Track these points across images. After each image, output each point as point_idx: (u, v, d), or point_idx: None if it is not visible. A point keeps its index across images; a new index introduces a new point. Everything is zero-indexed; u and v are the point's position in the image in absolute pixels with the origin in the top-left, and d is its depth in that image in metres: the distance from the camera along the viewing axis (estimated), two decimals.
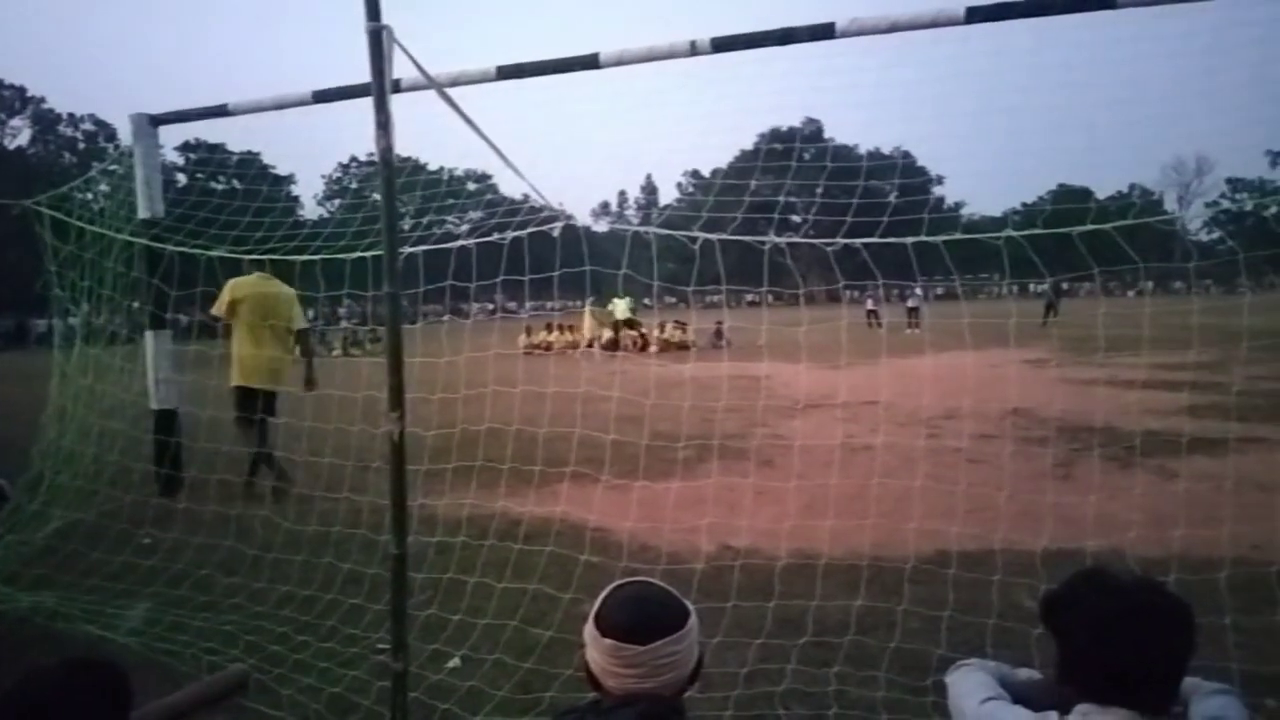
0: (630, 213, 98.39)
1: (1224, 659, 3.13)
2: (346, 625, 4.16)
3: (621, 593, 1.60)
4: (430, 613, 4.15)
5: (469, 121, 3.41)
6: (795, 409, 10.27)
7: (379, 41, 2.78)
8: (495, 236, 4.94)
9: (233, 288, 6.95)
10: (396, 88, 4.34)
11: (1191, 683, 1.72)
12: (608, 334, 23.46)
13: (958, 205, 66.19)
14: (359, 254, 4.81)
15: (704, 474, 6.70)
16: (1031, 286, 31.01)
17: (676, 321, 24.35)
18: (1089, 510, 4.86)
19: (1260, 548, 4.58)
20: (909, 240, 4.09)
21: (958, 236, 4.33)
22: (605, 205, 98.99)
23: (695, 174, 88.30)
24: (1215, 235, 72.50)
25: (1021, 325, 6.51)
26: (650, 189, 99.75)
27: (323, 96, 5.22)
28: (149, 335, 6.47)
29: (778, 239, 4.81)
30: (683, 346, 22.26)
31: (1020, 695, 1.83)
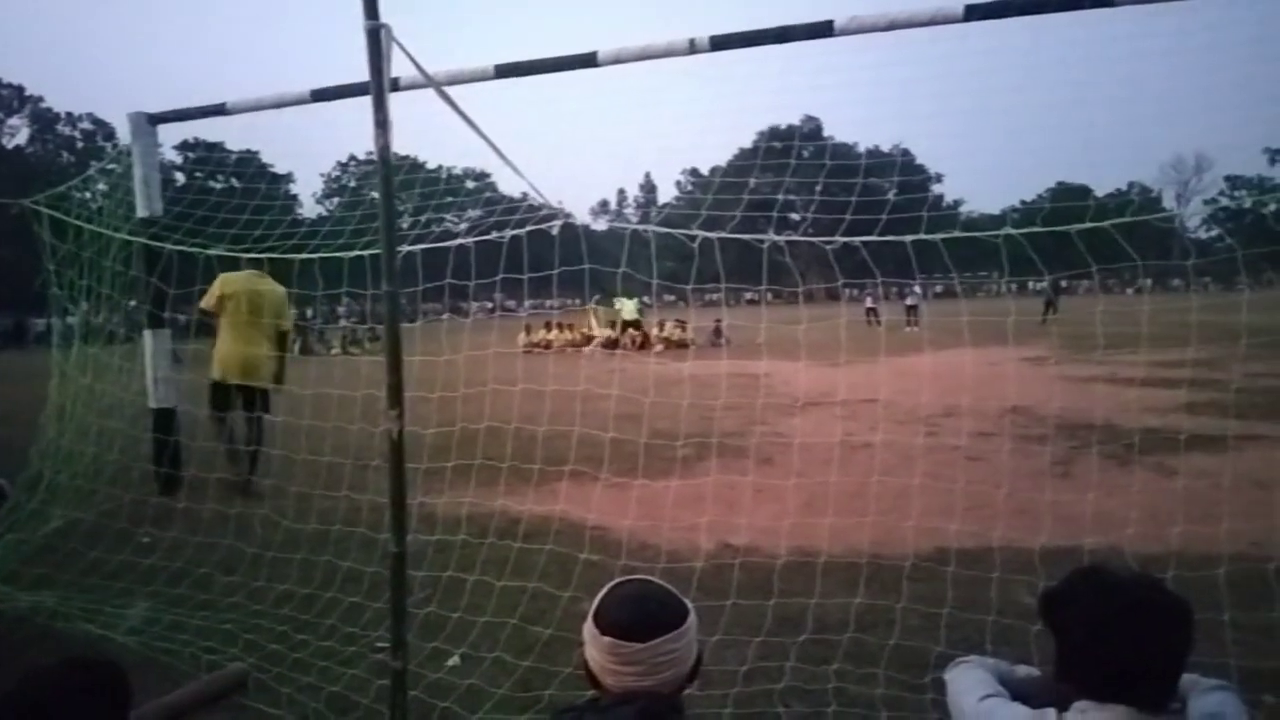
0: (629, 211, 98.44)
1: (1222, 655, 3.14)
2: (346, 623, 4.16)
3: (620, 591, 1.60)
4: (430, 611, 4.15)
5: (467, 120, 3.41)
6: (794, 407, 10.28)
7: (377, 40, 2.78)
8: (494, 235, 4.94)
9: (222, 282, 7.00)
10: (395, 86, 4.34)
11: (1189, 679, 1.73)
12: (607, 333, 23.46)
13: (957, 203, 66.32)
14: (357, 252, 4.81)
15: (703, 472, 6.71)
16: (1030, 284, 31.01)
17: (677, 320, 24.38)
18: (1087, 508, 4.87)
19: (1258, 544, 4.59)
20: (908, 238, 4.08)
21: (957, 235, 4.33)
22: (604, 203, 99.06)
23: (694, 172, 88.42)
24: (1214, 233, 72.72)
25: (1020, 323, 6.49)
26: (649, 187, 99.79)
27: (321, 95, 5.21)
28: (147, 334, 6.47)
29: (777, 237, 4.81)
30: (682, 345, 22.28)
31: (1019, 692, 1.84)
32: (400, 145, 2.92)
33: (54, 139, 66.61)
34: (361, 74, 2.86)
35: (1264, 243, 4.97)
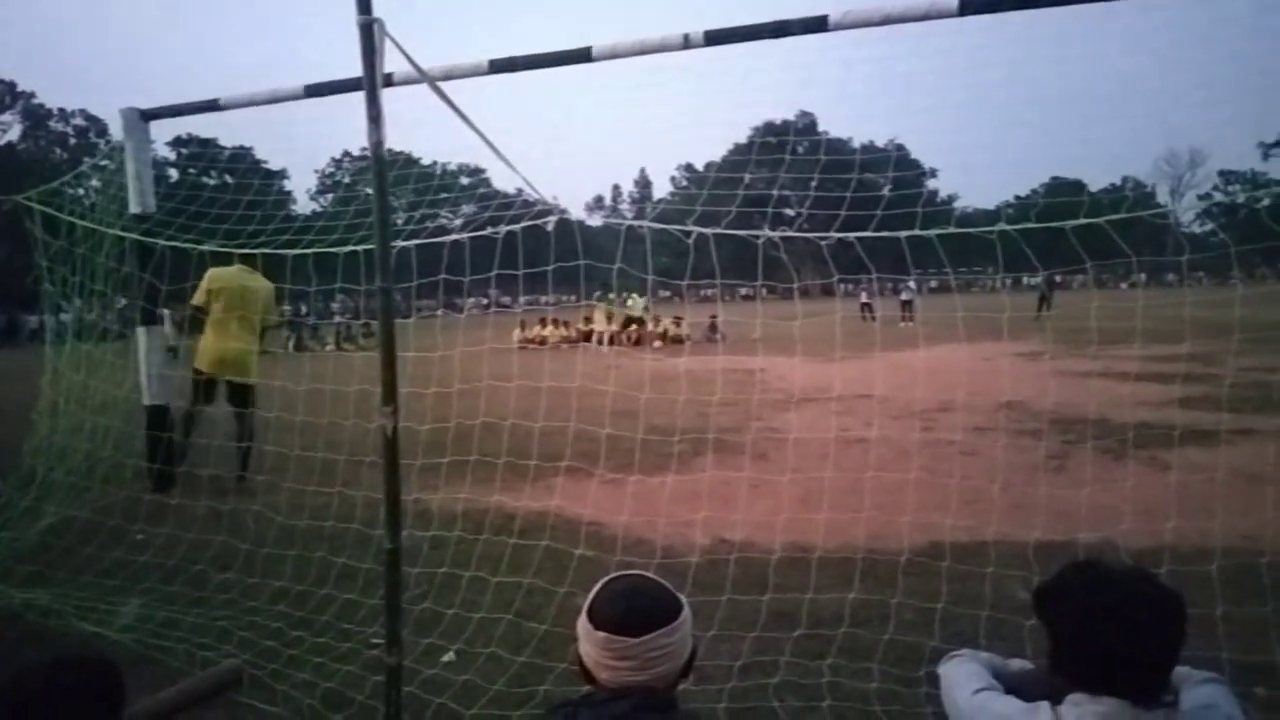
0: (624, 206, 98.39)
1: (1214, 648, 3.15)
2: (341, 620, 4.16)
3: (614, 586, 1.60)
4: (425, 607, 4.15)
5: (461, 115, 3.40)
6: (790, 402, 10.29)
7: (370, 35, 2.77)
8: (489, 231, 4.93)
9: (211, 278, 7.03)
10: (388, 81, 4.33)
11: (1182, 672, 1.74)
12: (613, 328, 23.39)
13: (951, 198, 66.40)
14: (351, 248, 4.80)
15: (699, 468, 6.71)
16: (1025, 279, 31.07)
17: (675, 317, 24.38)
18: (1082, 502, 4.88)
19: (1251, 538, 4.61)
20: (903, 234, 4.09)
21: (951, 230, 4.33)
22: (599, 199, 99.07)
23: (689, 167, 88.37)
24: (1208, 228, 73.03)
25: (1015, 318, 6.50)
26: (644, 183, 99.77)
27: (314, 91, 5.18)
28: (141, 331, 6.45)
29: (772, 233, 4.81)
30: (677, 340, 22.30)
31: (1012, 686, 1.84)
32: (394, 141, 2.92)
33: (46, 135, 66.32)
34: (355, 69, 2.85)
35: (1257, 238, 4.97)
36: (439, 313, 6.61)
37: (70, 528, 5.45)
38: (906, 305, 25.72)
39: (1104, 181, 76.38)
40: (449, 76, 4.33)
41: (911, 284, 24.41)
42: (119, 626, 4.12)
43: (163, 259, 6.11)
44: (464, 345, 5.39)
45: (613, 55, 4.46)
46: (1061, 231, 3.89)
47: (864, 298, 25.84)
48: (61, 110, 66.71)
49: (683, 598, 1.62)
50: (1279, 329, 4.63)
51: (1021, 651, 2.65)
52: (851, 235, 4.21)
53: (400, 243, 4.69)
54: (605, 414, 5.83)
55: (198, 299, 7.05)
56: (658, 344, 22.25)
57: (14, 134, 64.62)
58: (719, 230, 4.48)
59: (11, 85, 63.81)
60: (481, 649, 3.80)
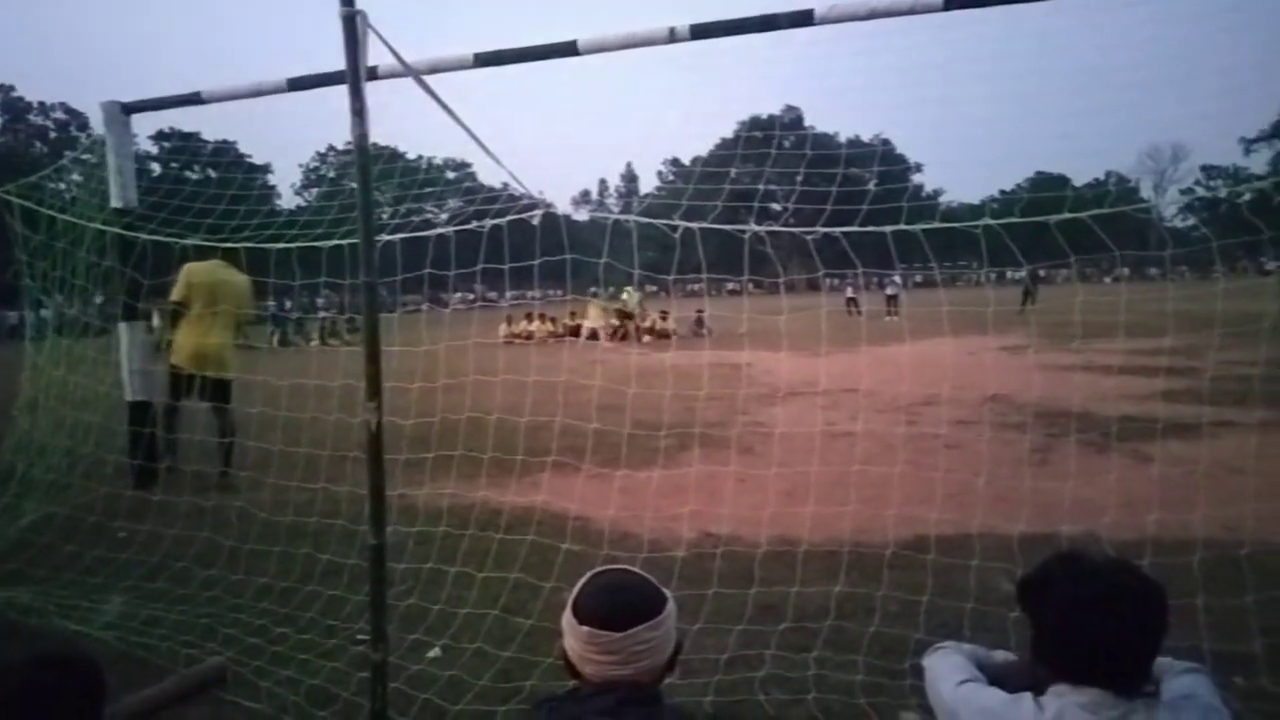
0: (611, 201, 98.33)
1: (1195, 639, 3.18)
2: (326, 617, 4.14)
3: (598, 580, 1.60)
4: (411, 603, 4.14)
5: (446, 109, 3.38)
6: (776, 397, 10.31)
7: (353, 27, 2.74)
8: (474, 225, 4.90)
9: (188, 273, 6.94)
10: (373, 75, 4.30)
11: (1163, 662, 1.75)
12: (614, 322, 23.33)
13: (936, 193, 66.76)
14: (335, 242, 4.77)
15: (685, 462, 6.72)
16: (1009, 274, 31.23)
17: (661, 312, 24.38)
18: (1065, 495, 4.91)
19: (1232, 530, 4.65)
20: (888, 229, 4.09)
21: (936, 225, 4.35)
22: (586, 194, 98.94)
23: (675, 162, 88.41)
24: (1190, 222, 73.62)
25: (999, 312, 6.53)
26: (630, 177, 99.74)
27: (298, 84, 5.14)
28: (123, 326, 6.39)
29: (758, 228, 4.81)
30: (664, 335, 22.29)
31: (996, 677, 1.85)
32: (379, 135, 2.91)
33: (26, 129, 65.73)
34: (340, 62, 2.83)
35: (1239, 232, 5.01)
36: (424, 307, 6.57)
37: (51, 525, 5.40)
38: (892, 300, 25.85)
39: (1088, 176, 76.91)
40: (434, 70, 4.30)
41: (897, 279, 24.52)
42: (101, 624, 4.09)
43: (144, 254, 6.05)
44: (449, 340, 5.38)
45: (599, 49, 4.44)
46: (1045, 226, 3.91)
47: (850, 292, 25.91)
48: (41, 104, 66.19)
49: (667, 592, 1.61)
50: (1260, 323, 4.66)
51: (1005, 643, 2.66)
52: (837, 230, 4.22)
53: (385, 237, 4.67)
54: (591, 409, 5.82)
55: (177, 294, 6.98)
56: (646, 339, 22.25)
57: None
58: (705, 225, 4.48)
59: None
60: (467, 644, 3.79)
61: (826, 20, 4.09)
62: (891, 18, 4.11)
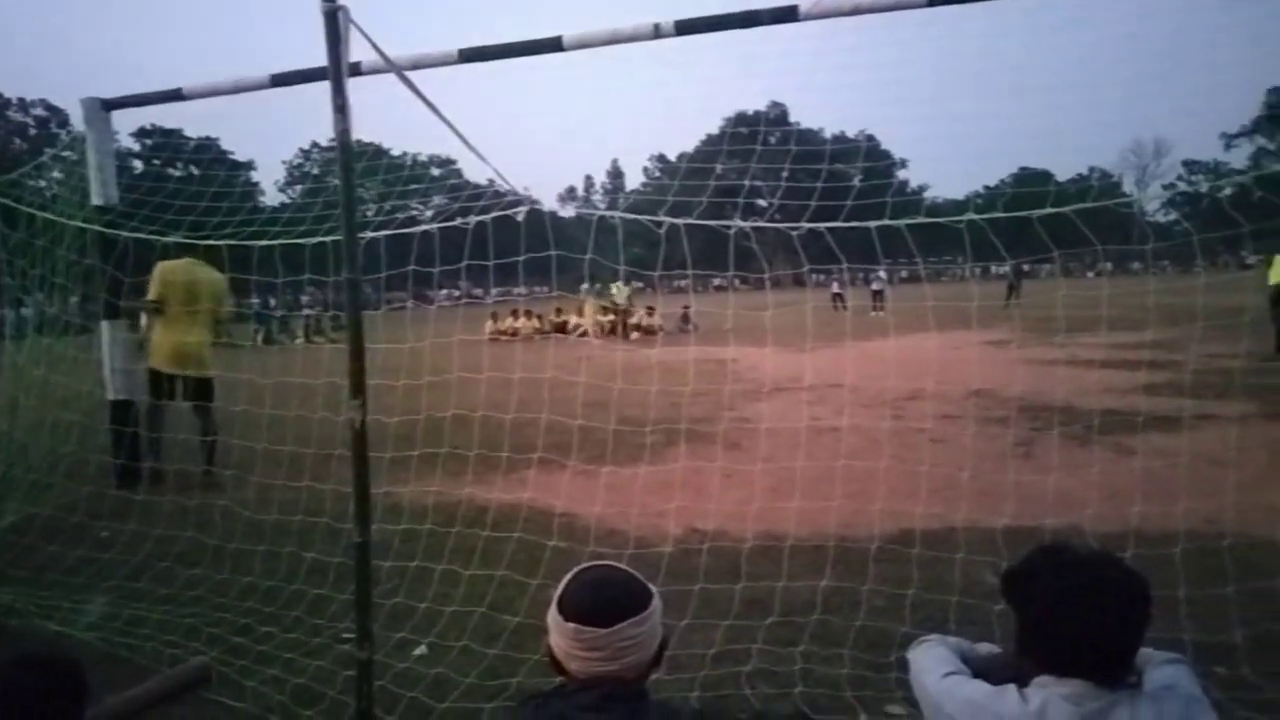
0: (597, 197, 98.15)
1: (1177, 630, 3.21)
2: (311, 615, 4.12)
3: (584, 576, 1.60)
4: (396, 601, 4.13)
5: (429, 104, 3.37)
6: (762, 392, 10.33)
7: (335, 22, 2.73)
8: (459, 221, 4.89)
9: (161, 271, 6.85)
10: (356, 71, 4.27)
11: (1145, 653, 1.76)
12: (609, 318, 23.25)
13: (921, 188, 66.88)
14: (319, 239, 4.74)
15: (672, 458, 6.72)
16: (993, 269, 31.39)
17: (648, 307, 24.35)
18: (1049, 488, 4.95)
19: (1213, 521, 4.70)
20: (872, 224, 4.11)
21: (920, 220, 4.36)
22: (572, 190, 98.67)
23: (661, 158, 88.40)
24: (1172, 217, 74.20)
25: (983, 307, 6.57)
26: (616, 173, 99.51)
27: (280, 80, 5.10)
28: (104, 325, 6.33)
29: (743, 223, 4.81)
30: (650, 331, 22.28)
31: (980, 669, 1.86)
32: (365, 132, 2.89)
33: (5, 125, 64.99)
34: (323, 58, 2.81)
35: (1219, 226, 5.06)
36: (409, 304, 6.53)
37: (32, 525, 5.35)
38: (877, 295, 25.90)
39: (1071, 171, 77.41)
40: (417, 66, 4.28)
41: (882, 274, 24.54)
42: (84, 625, 4.06)
43: (126, 252, 6.00)
44: (434, 337, 5.36)
45: (583, 45, 4.43)
46: (1029, 221, 3.94)
47: (835, 288, 25.98)
48: (21, 100, 65.45)
49: (653, 587, 1.61)
50: (1240, 316, 4.72)
51: (990, 636, 2.68)
52: (822, 225, 4.22)
53: (369, 234, 4.65)
54: (577, 405, 5.82)
55: (153, 293, 6.87)
56: (635, 336, 22.22)
57: None
58: (690, 221, 4.48)
59: None
60: (454, 642, 3.78)
61: (810, 16, 4.09)
62: (876, 14, 4.12)
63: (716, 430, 7.97)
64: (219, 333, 7.48)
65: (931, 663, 1.89)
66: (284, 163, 74.90)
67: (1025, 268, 27.79)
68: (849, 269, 5.39)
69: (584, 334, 22.09)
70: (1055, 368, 10.97)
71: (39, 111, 65.84)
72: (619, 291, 24.35)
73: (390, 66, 3.49)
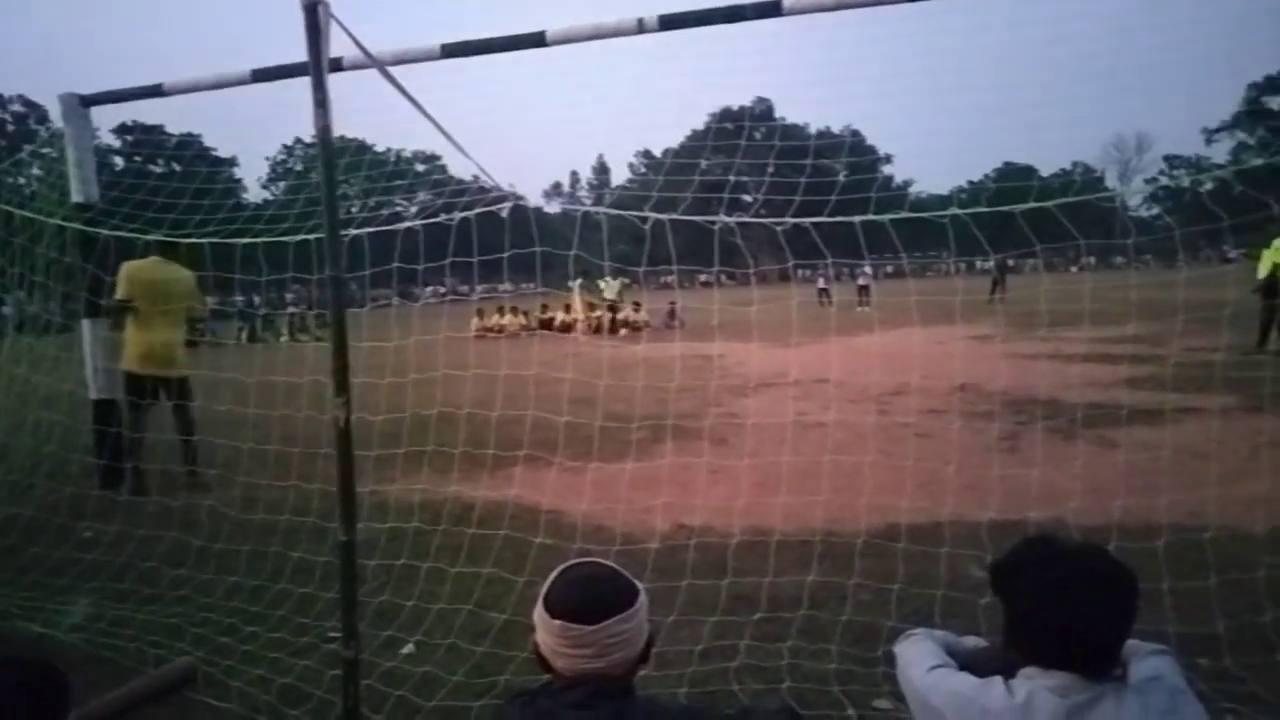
0: (583, 193, 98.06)
1: (1161, 622, 3.24)
2: (297, 614, 4.10)
3: (570, 574, 1.59)
4: (383, 599, 4.11)
5: (411, 100, 3.34)
6: (748, 388, 10.34)
7: (315, 17, 2.70)
8: (442, 218, 4.87)
9: (128, 271, 6.61)
10: (338, 66, 4.25)
11: (1131, 645, 1.77)
12: (601, 314, 23.16)
13: (906, 184, 67.16)
14: (301, 237, 4.71)
15: (658, 454, 6.73)
16: (978, 264, 31.53)
17: (634, 303, 24.33)
18: (1033, 481, 4.98)
19: (1195, 514, 4.73)
20: (856, 219, 4.11)
21: (904, 215, 4.37)
22: (557, 186, 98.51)
23: (647, 154, 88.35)
24: (1154, 211, 74.83)
25: (968, 302, 6.61)
26: (602, 169, 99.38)
27: (262, 75, 5.06)
28: (85, 323, 6.27)
29: (729, 219, 4.82)
30: (636, 327, 22.26)
31: (967, 662, 1.87)
32: (348, 128, 2.87)
33: None
34: (305, 53, 2.78)
35: (1201, 221, 5.10)
36: (393, 302, 6.49)
37: (14, 526, 5.30)
38: (863, 291, 26.00)
39: (1054, 167, 77.91)
40: (400, 61, 4.26)
41: (868, 269, 24.64)
42: (67, 626, 4.02)
43: (106, 250, 5.93)
44: (419, 334, 5.33)
45: (567, 40, 4.42)
46: (1012, 216, 3.95)
47: (821, 283, 26.06)
48: None
49: (639, 584, 1.61)
50: (1222, 310, 4.77)
51: (976, 629, 2.70)
52: (807, 220, 4.23)
53: (352, 231, 4.63)
54: (563, 402, 5.81)
55: (120, 293, 6.61)
56: (624, 332, 22.18)
57: None
58: (675, 216, 4.48)
59: None
60: (441, 640, 3.77)
61: (794, 11, 4.09)
62: (860, 9, 4.13)
63: (703, 426, 7.98)
64: (193, 331, 7.36)
65: (918, 656, 1.89)
66: (267, 159, 74.45)
67: (1010, 263, 27.95)
68: (834, 264, 5.41)
69: (569, 328, 22.01)
70: (1039, 362, 11.04)
71: (17, 108, 65.20)
72: (608, 286, 24.31)
73: (371, 62, 3.46)
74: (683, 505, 5.35)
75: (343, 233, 2.91)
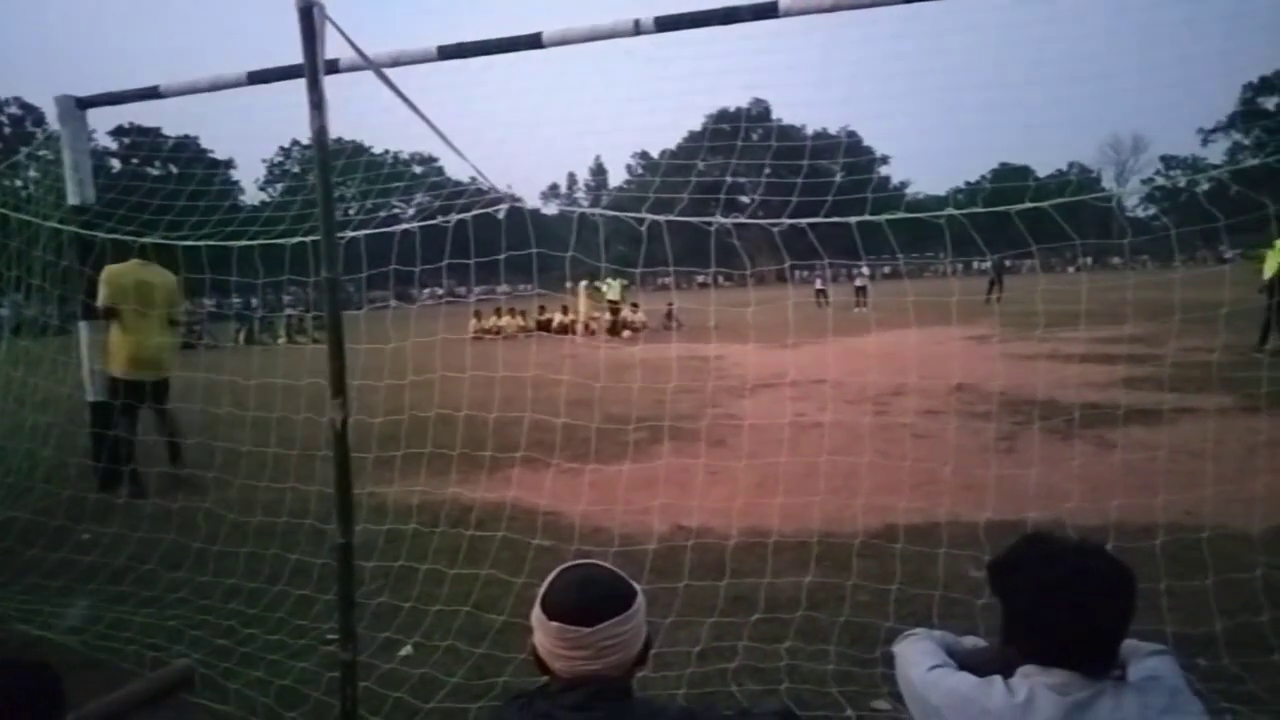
0: (580, 195, 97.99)
1: (1159, 622, 3.24)
2: (295, 617, 4.09)
3: (567, 575, 1.59)
4: (381, 601, 4.11)
5: (407, 101, 3.34)
6: (745, 389, 10.34)
7: (310, 19, 2.70)
8: (439, 220, 4.87)
9: (109, 275, 6.50)
10: (334, 68, 4.26)
11: (1129, 645, 1.77)
12: (606, 315, 23.13)
13: (903, 184, 67.07)
14: (298, 239, 4.70)
15: (656, 455, 6.72)
16: (975, 264, 31.56)
17: (632, 304, 24.32)
18: (1031, 482, 4.98)
19: (1192, 514, 4.74)
20: (853, 220, 4.12)
21: (900, 216, 4.37)
22: (554, 187, 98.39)
23: (644, 155, 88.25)
24: (1150, 211, 74.89)
25: (965, 302, 6.62)
26: (599, 171, 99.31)
27: (258, 77, 5.07)
28: (82, 325, 6.26)
29: (725, 220, 4.82)
30: (635, 329, 22.25)
31: (965, 662, 1.87)
32: (345, 129, 2.87)
33: None
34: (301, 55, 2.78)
35: (1197, 221, 5.11)
36: (391, 304, 6.49)
37: (12, 528, 5.29)
38: (861, 291, 26.00)
39: (1051, 167, 77.93)
40: (396, 63, 4.26)
41: (865, 270, 24.65)
42: (65, 628, 4.01)
43: (103, 252, 5.92)
44: (416, 336, 5.33)
45: (563, 41, 4.43)
46: (1009, 216, 3.95)
47: (818, 284, 26.05)
48: None
49: (637, 585, 1.61)
50: (1218, 310, 4.77)
51: (974, 629, 2.70)
52: (804, 221, 4.23)
53: (349, 232, 4.62)
54: (561, 403, 5.81)
55: (103, 299, 6.47)
56: (626, 333, 22.14)
57: None
58: (672, 218, 4.48)
59: None
60: (439, 642, 3.77)
61: (791, 12, 4.10)
62: (856, 10, 4.14)
63: (700, 427, 7.98)
64: (178, 334, 7.32)
65: (917, 656, 1.89)
66: (264, 161, 74.28)
67: (1008, 263, 27.99)
68: (831, 265, 5.41)
69: (567, 330, 21.99)
70: (1036, 362, 11.04)
71: (13, 110, 65.10)
72: (610, 288, 24.29)
73: (368, 64, 3.47)
74: (680, 506, 5.35)
75: (339, 234, 2.91)
